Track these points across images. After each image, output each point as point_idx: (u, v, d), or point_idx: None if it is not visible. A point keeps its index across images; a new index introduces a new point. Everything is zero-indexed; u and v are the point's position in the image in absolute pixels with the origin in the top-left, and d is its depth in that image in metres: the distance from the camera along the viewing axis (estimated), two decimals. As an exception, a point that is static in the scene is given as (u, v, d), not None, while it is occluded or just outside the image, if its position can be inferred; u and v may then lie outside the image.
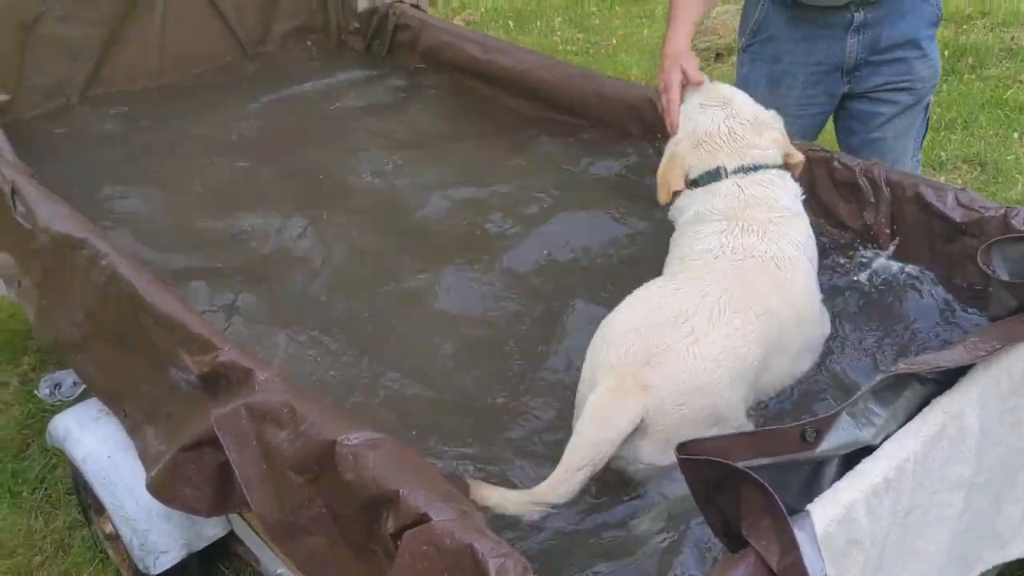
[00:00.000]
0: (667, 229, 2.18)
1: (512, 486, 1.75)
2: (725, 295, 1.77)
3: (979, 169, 4.16)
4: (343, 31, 3.55)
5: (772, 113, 2.18)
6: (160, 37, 3.29)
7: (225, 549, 2.31)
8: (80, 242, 2.11)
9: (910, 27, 2.47)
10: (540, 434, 1.91)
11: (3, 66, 3.01)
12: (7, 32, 2.98)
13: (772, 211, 1.98)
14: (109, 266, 2.01)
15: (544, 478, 1.68)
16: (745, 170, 2.05)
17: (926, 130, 2.66)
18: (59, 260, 2.20)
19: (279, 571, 2.05)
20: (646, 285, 1.89)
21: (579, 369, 1.83)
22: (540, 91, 2.88)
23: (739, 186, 2.03)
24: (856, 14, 2.43)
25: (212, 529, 2.18)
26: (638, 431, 1.66)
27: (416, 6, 3.38)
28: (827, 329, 1.98)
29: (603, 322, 1.84)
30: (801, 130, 2.58)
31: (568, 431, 1.73)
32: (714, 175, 2.06)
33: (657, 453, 1.69)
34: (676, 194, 2.12)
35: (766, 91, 2.63)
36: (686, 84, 2.25)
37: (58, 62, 3.13)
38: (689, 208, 2.07)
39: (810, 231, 2.03)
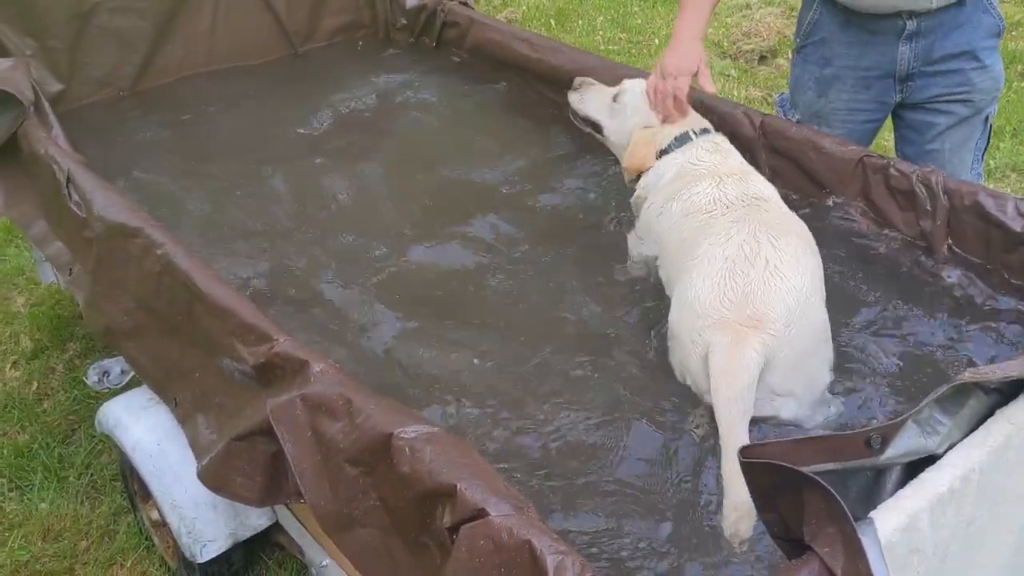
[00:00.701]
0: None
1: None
2: (769, 227, 1.96)
3: (1028, 178, 4.10)
4: (391, 27, 3.57)
5: None
6: (210, 30, 3.33)
7: (268, 539, 2.33)
8: (135, 231, 2.13)
9: (966, 38, 2.41)
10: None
11: (58, 56, 3.06)
12: (62, 23, 3.03)
13: (742, 163, 2.29)
14: (164, 256, 2.03)
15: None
16: (706, 132, 2.35)
17: (987, 143, 2.59)
18: (113, 248, 2.22)
19: (324, 562, 2.06)
20: (694, 254, 1.99)
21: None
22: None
23: (714, 142, 2.31)
24: (908, 22, 2.39)
25: (257, 519, 2.19)
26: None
27: (464, 3, 3.38)
28: None
29: (677, 298, 1.97)
30: (849, 136, 2.55)
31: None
32: (683, 138, 2.34)
33: (789, 379, 1.83)
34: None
35: (814, 95, 2.61)
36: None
37: (111, 53, 3.17)
38: (669, 170, 2.29)
39: None
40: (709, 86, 2.39)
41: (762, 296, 1.82)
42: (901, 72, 2.47)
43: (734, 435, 1.69)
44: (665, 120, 2.40)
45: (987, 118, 2.55)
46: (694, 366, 1.85)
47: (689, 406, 1.91)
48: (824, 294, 1.94)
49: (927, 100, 2.50)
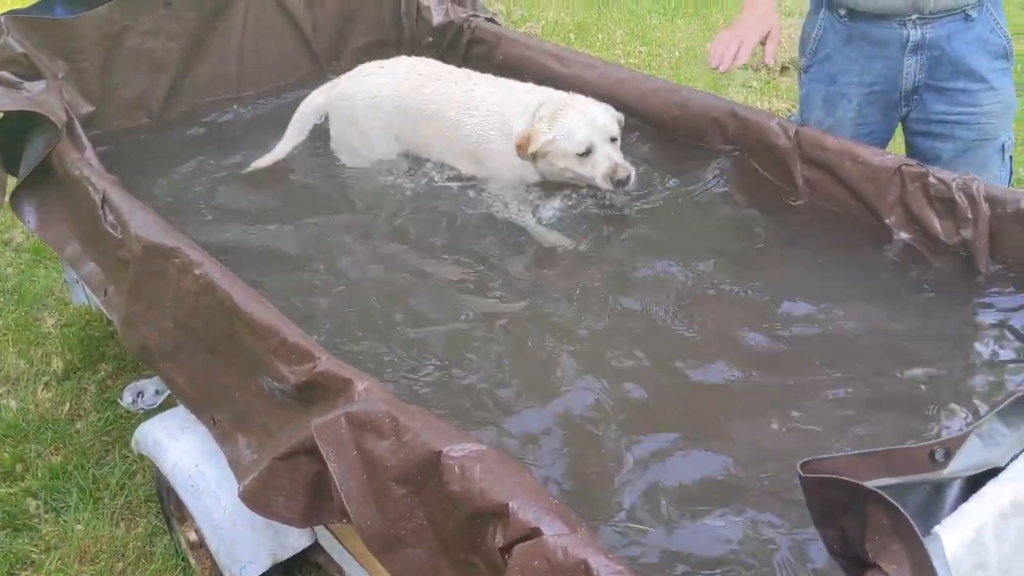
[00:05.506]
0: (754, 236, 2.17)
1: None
2: None
3: (1060, 186, 4.06)
4: (418, 45, 3.57)
5: None
6: (239, 51, 3.34)
7: (305, 560, 2.31)
8: (172, 251, 2.13)
9: (973, 56, 2.38)
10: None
11: (89, 78, 3.07)
12: (94, 45, 3.04)
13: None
14: (203, 275, 2.02)
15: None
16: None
17: (1011, 175, 2.53)
18: (149, 268, 2.22)
19: (365, 582, 2.04)
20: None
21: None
22: (624, 104, 2.84)
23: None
24: (912, 31, 2.37)
25: (297, 539, 2.18)
26: None
27: (491, 20, 3.38)
28: None
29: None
30: None
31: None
32: None
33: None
34: None
35: (823, 113, 2.61)
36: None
37: (141, 75, 3.18)
38: None
39: None
40: (770, 57, 2.42)
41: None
42: (907, 87, 2.45)
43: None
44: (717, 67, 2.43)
45: (1003, 147, 2.49)
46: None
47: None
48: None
49: (930, 117, 2.46)
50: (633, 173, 2.58)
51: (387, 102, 2.96)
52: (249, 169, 3.00)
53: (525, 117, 2.73)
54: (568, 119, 2.62)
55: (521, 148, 2.68)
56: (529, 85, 2.89)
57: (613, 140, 2.63)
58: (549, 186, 2.73)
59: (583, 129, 2.59)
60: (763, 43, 2.41)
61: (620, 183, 2.56)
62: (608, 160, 2.58)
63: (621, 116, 2.72)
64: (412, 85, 2.95)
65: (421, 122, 2.91)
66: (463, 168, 2.87)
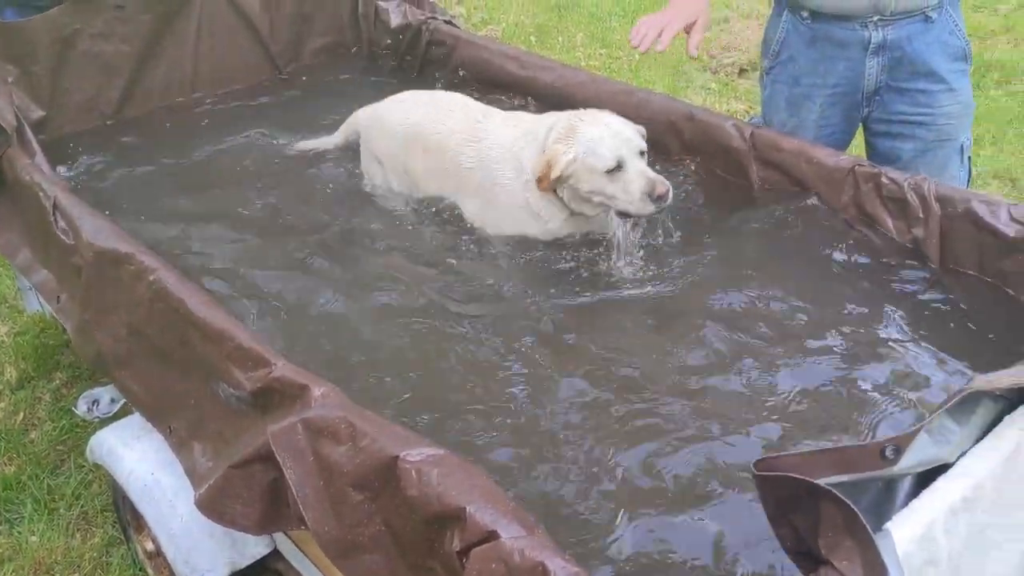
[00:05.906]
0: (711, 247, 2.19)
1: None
2: None
3: (1010, 185, 4.15)
4: (375, 47, 3.56)
5: None
6: (194, 53, 3.31)
7: (265, 567, 2.29)
8: (126, 257, 2.10)
9: (934, 59, 2.42)
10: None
11: (39, 83, 3.02)
12: (44, 49, 2.99)
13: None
14: (156, 281, 2.00)
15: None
16: None
17: (969, 176, 2.57)
18: (102, 275, 2.19)
19: (325, 589, 2.02)
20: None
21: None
22: (582, 107, 2.82)
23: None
24: (874, 32, 2.41)
25: (256, 547, 2.15)
26: None
27: (449, 22, 3.38)
28: None
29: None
30: None
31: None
32: None
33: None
34: None
35: (786, 114, 2.64)
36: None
37: (93, 78, 3.14)
38: None
39: None
40: (693, 47, 2.39)
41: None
42: (868, 88, 2.49)
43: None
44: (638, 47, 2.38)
45: (962, 147, 2.52)
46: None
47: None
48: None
49: (891, 118, 2.50)
50: (670, 187, 2.30)
51: (398, 132, 2.74)
52: (293, 148, 3.05)
53: (533, 146, 2.45)
54: (588, 133, 2.33)
55: (542, 180, 2.36)
56: (549, 116, 2.53)
57: (642, 154, 2.36)
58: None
59: (608, 141, 2.31)
60: (687, 31, 2.39)
61: (660, 199, 2.27)
62: (642, 177, 2.29)
63: (643, 129, 2.44)
64: (421, 115, 2.71)
65: (425, 154, 2.67)
66: (468, 210, 2.61)
